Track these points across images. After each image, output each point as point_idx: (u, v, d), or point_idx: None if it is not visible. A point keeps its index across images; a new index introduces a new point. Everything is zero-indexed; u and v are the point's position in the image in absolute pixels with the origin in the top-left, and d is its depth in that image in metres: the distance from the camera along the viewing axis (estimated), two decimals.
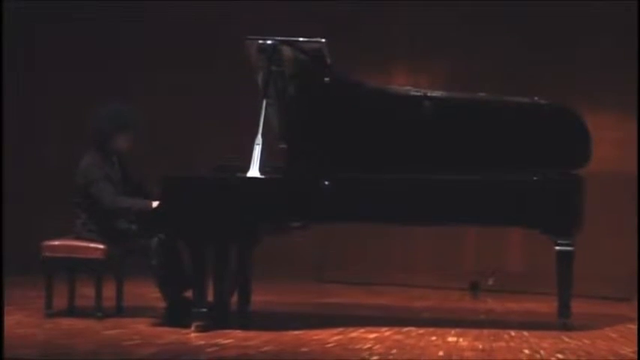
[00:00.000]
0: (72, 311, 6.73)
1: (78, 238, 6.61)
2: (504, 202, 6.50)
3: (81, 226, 6.63)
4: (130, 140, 6.74)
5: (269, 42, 6.45)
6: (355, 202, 6.44)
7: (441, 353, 5.59)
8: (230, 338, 5.89)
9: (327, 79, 6.65)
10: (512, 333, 6.44)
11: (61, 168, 10.02)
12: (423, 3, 9.85)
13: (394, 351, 5.59)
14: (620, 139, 9.39)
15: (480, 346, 5.87)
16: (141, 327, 6.27)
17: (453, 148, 6.77)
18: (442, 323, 6.78)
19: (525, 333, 6.42)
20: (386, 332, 6.30)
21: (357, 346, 5.73)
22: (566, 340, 6.18)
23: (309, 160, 6.75)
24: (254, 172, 6.20)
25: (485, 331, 6.46)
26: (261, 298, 7.31)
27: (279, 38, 6.50)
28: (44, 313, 6.56)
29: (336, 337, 6.03)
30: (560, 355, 5.58)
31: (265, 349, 5.57)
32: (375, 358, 5.36)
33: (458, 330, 6.48)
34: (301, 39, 6.57)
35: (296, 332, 6.18)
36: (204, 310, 6.18)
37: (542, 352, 5.69)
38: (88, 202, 6.57)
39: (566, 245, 6.47)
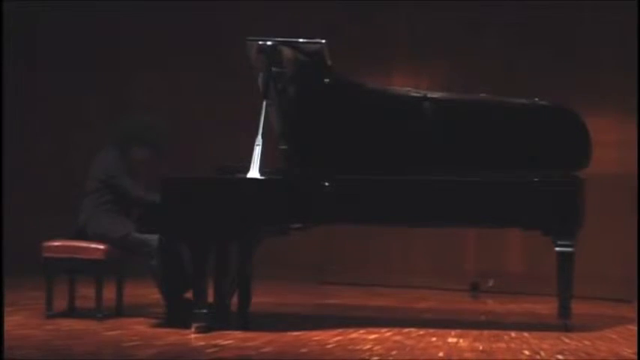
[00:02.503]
0: (72, 312, 6.74)
1: (79, 237, 6.62)
2: (505, 204, 6.50)
3: (85, 220, 6.65)
4: (143, 153, 6.82)
5: (269, 43, 6.44)
6: (355, 203, 6.44)
7: (441, 354, 5.59)
8: (230, 339, 5.89)
9: (327, 79, 6.65)
10: (513, 334, 6.44)
11: (62, 168, 10.09)
12: (423, 3, 9.85)
13: (394, 352, 5.59)
14: (621, 141, 9.40)
15: (480, 347, 5.87)
16: (141, 328, 6.27)
17: (453, 149, 6.77)
18: (442, 324, 6.78)
19: (525, 334, 6.43)
20: (386, 333, 6.30)
21: (358, 347, 5.73)
22: (567, 340, 6.18)
23: (309, 160, 6.75)
24: (254, 172, 6.20)
25: (486, 332, 6.46)
26: (261, 299, 7.31)
27: (278, 39, 6.49)
28: (44, 314, 6.55)
29: (336, 338, 6.03)
30: (560, 356, 5.58)
31: (265, 350, 5.56)
32: (375, 358, 5.36)
33: (458, 331, 6.48)
34: (301, 40, 6.57)
35: (296, 333, 6.18)
36: (205, 310, 6.18)
37: (542, 353, 5.69)
38: (104, 195, 6.62)
39: (567, 246, 6.46)
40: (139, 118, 7.06)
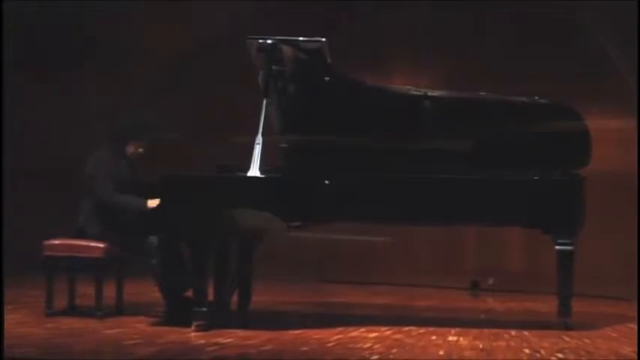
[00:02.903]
0: (72, 310, 6.74)
1: (79, 236, 6.62)
2: (505, 202, 6.50)
3: (86, 220, 6.65)
4: (140, 148, 6.81)
5: (269, 41, 6.44)
6: (355, 201, 6.44)
7: (441, 352, 5.58)
8: (230, 337, 5.89)
9: (327, 78, 6.65)
10: (513, 332, 6.43)
11: (61, 167, 10.08)
12: (423, 3, 9.85)
13: (394, 350, 5.59)
14: (620, 139, 9.40)
15: (481, 346, 5.87)
16: (141, 326, 6.27)
17: (453, 147, 6.77)
18: (442, 322, 6.78)
19: (525, 332, 6.42)
20: (386, 331, 6.30)
21: (358, 346, 5.73)
22: (567, 339, 6.18)
23: (310, 159, 6.75)
24: (254, 171, 6.20)
25: (486, 331, 6.46)
26: (261, 297, 7.30)
27: (279, 37, 6.49)
28: (44, 312, 6.56)
29: (336, 337, 6.03)
30: (560, 355, 5.58)
31: (265, 348, 5.56)
32: (375, 357, 5.35)
33: (458, 329, 6.48)
34: (301, 38, 6.56)
35: (296, 331, 6.18)
36: (205, 309, 6.18)
37: (542, 351, 5.69)
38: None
39: (567, 245, 6.46)
40: (134, 115, 7.06)
